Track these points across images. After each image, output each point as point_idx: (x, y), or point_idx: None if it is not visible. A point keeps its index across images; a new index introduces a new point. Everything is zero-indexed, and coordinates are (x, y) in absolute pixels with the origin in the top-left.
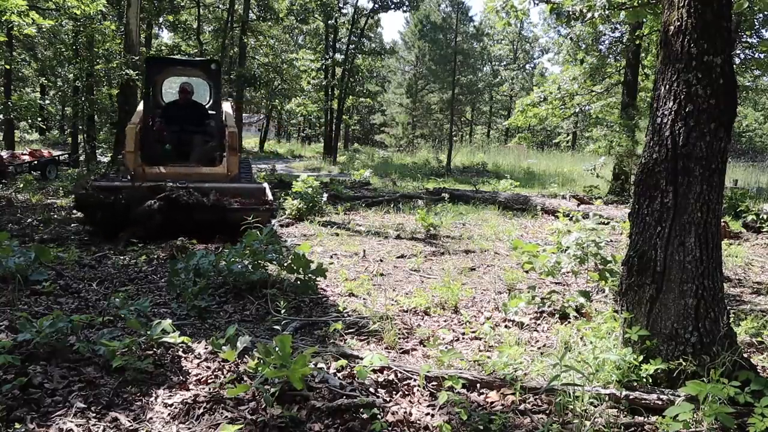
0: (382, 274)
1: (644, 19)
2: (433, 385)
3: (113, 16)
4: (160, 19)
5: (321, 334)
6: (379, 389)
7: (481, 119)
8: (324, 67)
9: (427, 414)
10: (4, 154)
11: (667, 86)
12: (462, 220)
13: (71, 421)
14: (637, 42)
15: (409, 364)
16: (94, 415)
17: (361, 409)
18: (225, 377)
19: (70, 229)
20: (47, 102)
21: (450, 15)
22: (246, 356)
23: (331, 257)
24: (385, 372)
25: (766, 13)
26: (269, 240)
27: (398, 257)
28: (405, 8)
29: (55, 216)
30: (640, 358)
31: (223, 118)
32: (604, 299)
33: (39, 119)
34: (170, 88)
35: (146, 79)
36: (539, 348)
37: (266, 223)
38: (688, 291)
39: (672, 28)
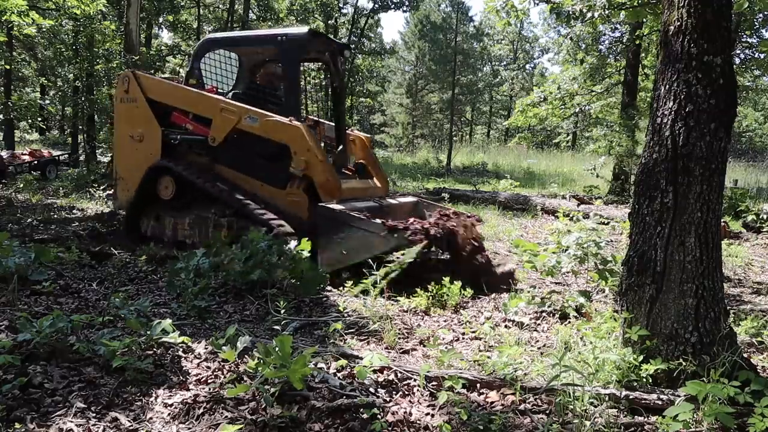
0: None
1: (644, 19)
2: (433, 385)
3: (113, 16)
4: (160, 19)
5: (321, 334)
6: (379, 389)
7: (481, 119)
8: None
9: (427, 414)
10: (4, 154)
11: (667, 86)
12: None
13: (71, 421)
14: (637, 42)
15: (409, 364)
16: (94, 415)
17: (361, 409)
18: (225, 377)
19: (70, 229)
20: (47, 102)
21: (450, 15)
22: (246, 356)
23: None
24: (385, 372)
25: (766, 13)
26: (270, 240)
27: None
28: (405, 8)
29: (55, 216)
30: (640, 358)
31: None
32: (604, 299)
33: (39, 119)
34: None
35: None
36: (539, 348)
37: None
38: (688, 291)
39: (672, 28)
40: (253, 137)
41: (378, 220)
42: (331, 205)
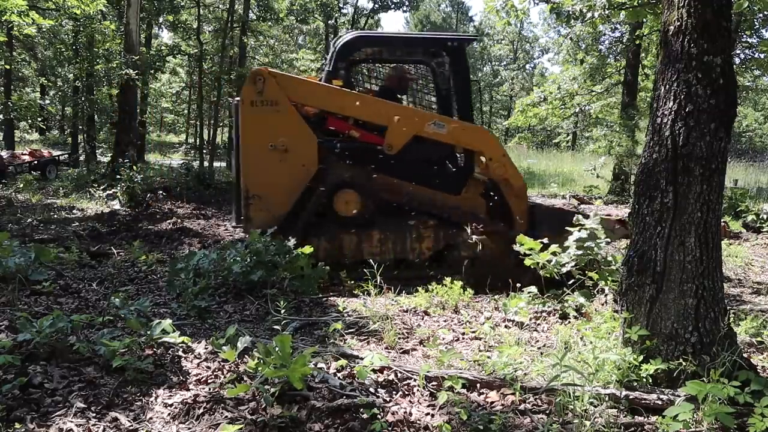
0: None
1: (644, 19)
2: (433, 385)
3: (113, 16)
4: (160, 19)
5: (321, 334)
6: (379, 389)
7: (481, 119)
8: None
9: (427, 414)
10: (4, 154)
11: (667, 86)
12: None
13: (71, 421)
14: (637, 42)
15: (409, 364)
16: (94, 415)
17: (361, 409)
18: (225, 377)
19: (70, 229)
20: (47, 102)
21: (450, 15)
22: (246, 356)
23: None
24: (385, 372)
25: (766, 13)
26: (270, 240)
27: None
28: (405, 8)
29: (55, 216)
30: (640, 358)
31: None
32: (604, 299)
33: (39, 119)
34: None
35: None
36: (539, 348)
37: None
38: (688, 291)
39: (672, 28)
40: (430, 144)
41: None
42: (550, 204)
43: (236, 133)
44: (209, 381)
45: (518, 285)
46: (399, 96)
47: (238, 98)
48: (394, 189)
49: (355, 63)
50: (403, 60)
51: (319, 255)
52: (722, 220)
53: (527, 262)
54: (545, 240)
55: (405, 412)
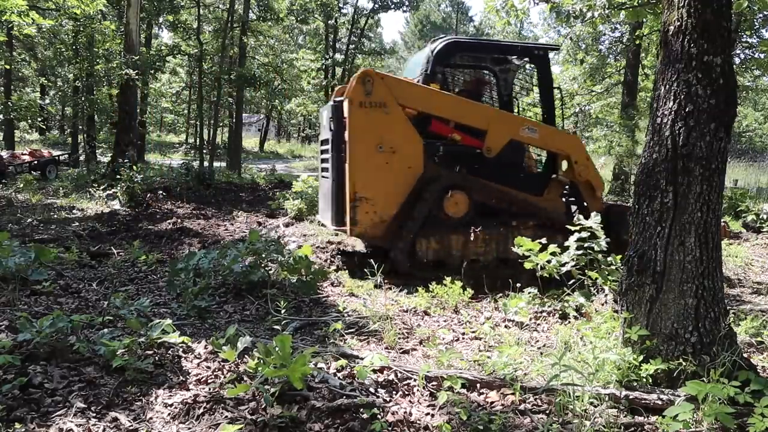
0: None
1: (644, 19)
2: (433, 385)
3: (113, 16)
4: (160, 19)
5: (321, 334)
6: (379, 389)
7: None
8: (324, 67)
9: (427, 414)
10: (4, 154)
11: (667, 86)
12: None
13: (71, 421)
14: (637, 42)
15: (409, 364)
16: (94, 415)
17: (361, 409)
18: (225, 377)
19: (70, 229)
20: (47, 102)
21: (450, 15)
22: (246, 356)
23: (332, 256)
24: (385, 372)
25: (766, 13)
26: (271, 241)
27: None
28: (405, 8)
29: (55, 216)
30: (640, 358)
31: None
32: (604, 299)
33: (39, 119)
34: None
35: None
36: (539, 348)
37: None
38: (688, 291)
39: (672, 28)
40: (520, 147)
41: None
42: (625, 204)
43: (337, 134)
44: (209, 381)
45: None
46: (479, 100)
47: (339, 98)
48: (492, 191)
49: (449, 67)
50: (493, 65)
51: (426, 255)
52: (722, 220)
53: (527, 264)
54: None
55: (405, 412)
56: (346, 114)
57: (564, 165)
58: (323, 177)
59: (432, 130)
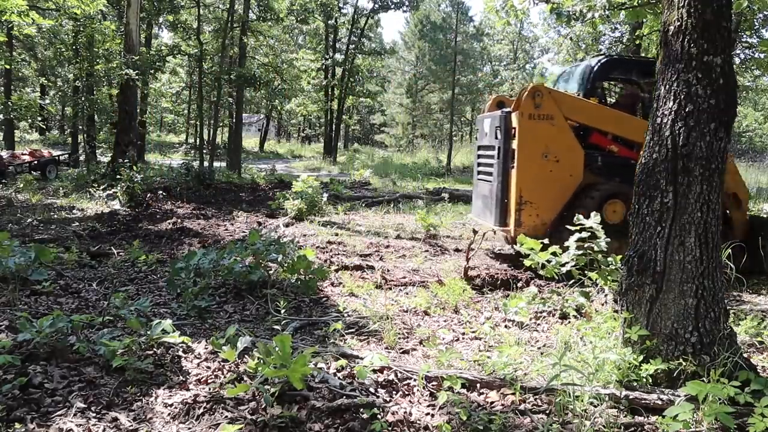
0: (384, 278)
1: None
2: (433, 385)
3: (113, 16)
4: (160, 19)
5: (321, 334)
6: (379, 389)
7: None
8: (324, 67)
9: (427, 414)
10: (4, 154)
11: (667, 86)
12: (462, 220)
13: (71, 421)
14: (637, 42)
15: (409, 364)
16: (94, 415)
17: (361, 409)
18: (225, 377)
19: (70, 229)
20: (47, 102)
21: (450, 15)
22: (246, 356)
23: (331, 257)
24: (385, 372)
25: (766, 13)
26: (271, 241)
27: (398, 257)
28: (405, 8)
29: (55, 216)
30: (640, 358)
31: None
32: (604, 299)
33: (39, 119)
34: None
35: None
36: (539, 348)
37: None
38: (688, 291)
39: (672, 28)
40: None
41: None
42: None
43: (504, 143)
44: (209, 381)
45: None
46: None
47: (506, 110)
48: None
49: (605, 81)
50: (641, 80)
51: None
52: None
53: (526, 262)
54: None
55: (405, 412)
56: (515, 125)
57: None
58: (482, 180)
59: (592, 141)
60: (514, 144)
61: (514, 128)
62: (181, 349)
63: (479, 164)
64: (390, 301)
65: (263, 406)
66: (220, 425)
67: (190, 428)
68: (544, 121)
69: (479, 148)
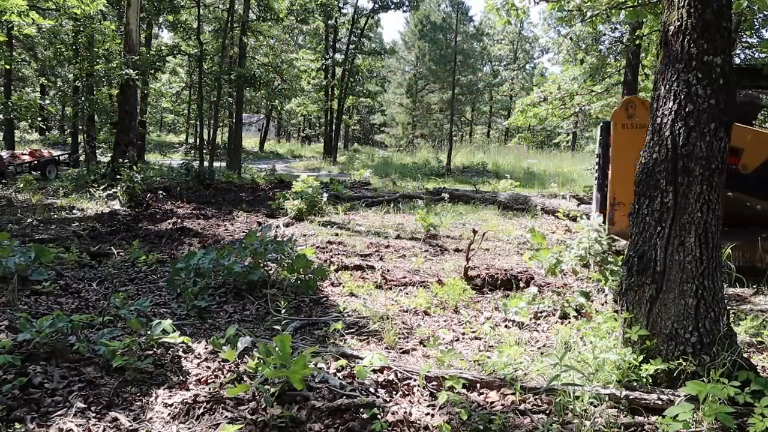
0: (385, 278)
1: (644, 19)
2: (433, 385)
3: (113, 16)
4: (160, 19)
5: (321, 334)
6: (379, 389)
7: (481, 119)
8: (324, 67)
9: (427, 414)
10: (4, 154)
11: (667, 86)
12: (462, 220)
13: (71, 421)
14: (637, 42)
15: (409, 364)
16: (94, 415)
17: (361, 409)
18: (225, 377)
19: (70, 229)
20: (47, 102)
21: (450, 15)
22: (246, 356)
23: (331, 257)
24: (385, 372)
25: (766, 13)
26: (270, 240)
27: (398, 257)
28: (405, 8)
29: (55, 216)
30: (640, 358)
31: None
32: (604, 299)
33: (39, 119)
34: None
35: None
36: (539, 348)
37: None
38: (688, 291)
39: (672, 28)
40: None
41: None
42: None
43: (603, 149)
44: (209, 381)
45: None
46: (751, 122)
47: (607, 120)
48: (746, 204)
49: None
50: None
51: None
52: None
53: (524, 258)
54: None
55: (405, 412)
56: (612, 133)
57: None
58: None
59: None
60: (611, 151)
61: (611, 137)
62: (181, 349)
63: (595, 170)
64: (390, 301)
65: (263, 406)
66: (220, 425)
67: (190, 428)
68: (637, 129)
69: (596, 156)
